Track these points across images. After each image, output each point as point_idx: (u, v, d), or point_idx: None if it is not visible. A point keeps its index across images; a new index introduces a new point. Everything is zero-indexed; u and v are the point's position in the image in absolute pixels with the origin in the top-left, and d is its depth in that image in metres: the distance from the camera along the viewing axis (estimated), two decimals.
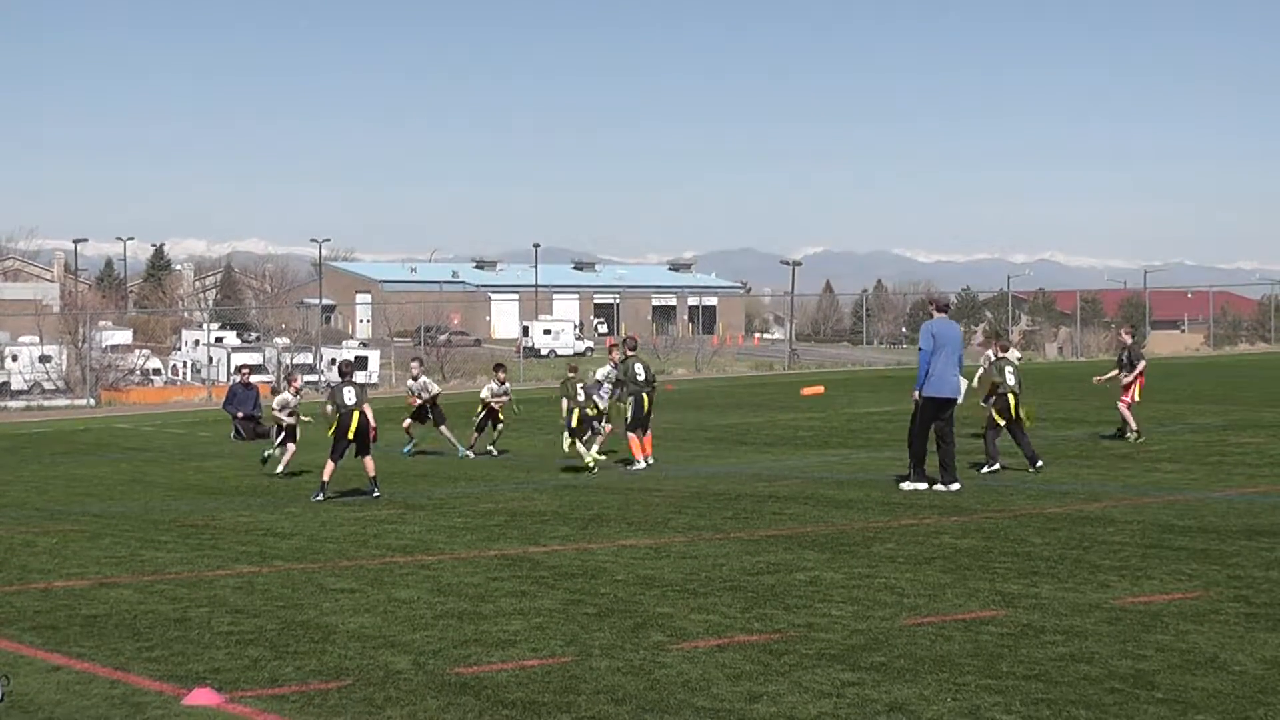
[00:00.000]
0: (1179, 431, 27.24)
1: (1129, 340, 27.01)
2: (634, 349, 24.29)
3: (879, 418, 34.07)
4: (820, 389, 25.08)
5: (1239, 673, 9.10)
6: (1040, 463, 21.45)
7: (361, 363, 75.65)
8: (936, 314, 19.78)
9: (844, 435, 29.44)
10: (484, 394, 27.73)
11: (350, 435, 20.81)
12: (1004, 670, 9.27)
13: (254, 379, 37.71)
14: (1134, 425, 25.52)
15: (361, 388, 21.56)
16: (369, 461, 21.02)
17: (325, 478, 20.89)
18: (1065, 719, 8.18)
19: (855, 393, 43.95)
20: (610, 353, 25.05)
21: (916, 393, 19.46)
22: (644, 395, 23.51)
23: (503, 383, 28.20)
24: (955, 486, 19.10)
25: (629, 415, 23.55)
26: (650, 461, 23.75)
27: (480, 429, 27.72)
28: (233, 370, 53.37)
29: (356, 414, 20.85)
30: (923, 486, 19.15)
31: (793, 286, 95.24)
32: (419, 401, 28.13)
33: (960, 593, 11.98)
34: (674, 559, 14.13)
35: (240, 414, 35.20)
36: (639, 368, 23.63)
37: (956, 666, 9.39)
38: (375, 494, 20.63)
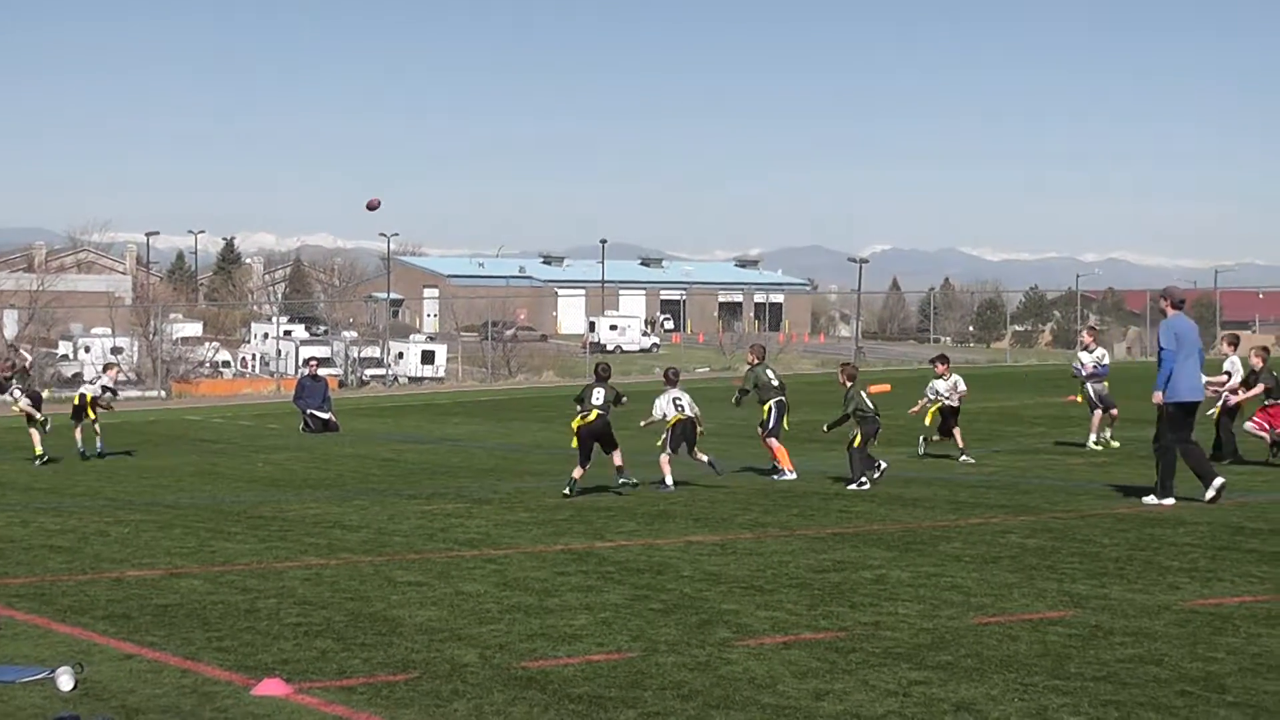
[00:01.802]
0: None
1: (1259, 363, 23.03)
2: (762, 357, 23.34)
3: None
4: (887, 387, 24.98)
5: None
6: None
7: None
8: (1172, 310, 17.87)
9: (910, 434, 29.27)
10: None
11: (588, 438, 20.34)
12: (1072, 671, 9.20)
13: (322, 372, 37.92)
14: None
15: (613, 394, 20.71)
16: (616, 456, 20.48)
17: (575, 476, 20.26)
18: None
19: (920, 391, 43.70)
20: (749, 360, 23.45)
21: (1159, 394, 17.51)
22: (783, 401, 22.35)
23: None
24: (1152, 500, 17.50)
25: (770, 423, 22.15)
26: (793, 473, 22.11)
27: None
28: (301, 363, 53.81)
29: (594, 414, 20.38)
30: (1169, 503, 17.26)
31: (859, 284, 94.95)
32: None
33: (1028, 593, 11.91)
34: (740, 555, 14.12)
35: (309, 408, 35.42)
36: (770, 374, 22.64)
37: (1024, 667, 9.33)
38: (627, 481, 20.11)
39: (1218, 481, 17.36)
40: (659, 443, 21.53)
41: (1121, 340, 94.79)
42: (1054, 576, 12.60)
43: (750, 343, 23.86)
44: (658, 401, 21.42)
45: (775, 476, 21.64)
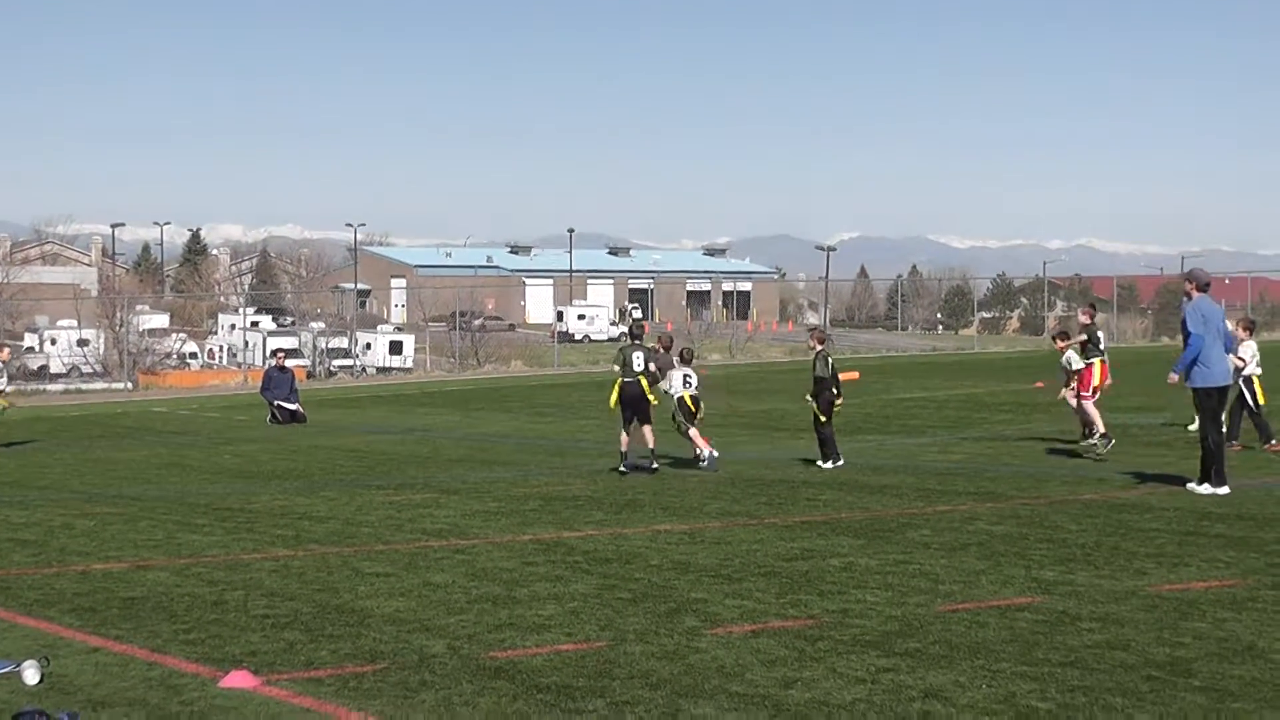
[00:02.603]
0: None
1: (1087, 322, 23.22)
2: (823, 341, 22.30)
3: (913, 403, 34.00)
4: (855, 374, 25.05)
5: (1277, 660, 9.05)
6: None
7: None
8: (1197, 293, 17.45)
9: (879, 421, 29.38)
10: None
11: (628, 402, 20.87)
12: (1040, 657, 9.24)
13: (290, 363, 37.78)
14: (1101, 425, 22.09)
15: (649, 352, 21.28)
16: (647, 431, 20.91)
17: (622, 448, 20.85)
18: (1101, 707, 8.14)
19: (890, 378, 43.90)
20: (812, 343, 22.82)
21: (1175, 376, 17.29)
22: (833, 391, 21.51)
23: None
24: (1207, 489, 16.96)
25: (820, 409, 21.36)
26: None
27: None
28: (269, 355, 53.61)
29: (641, 379, 20.94)
30: (1223, 492, 16.71)
31: (827, 272, 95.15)
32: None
33: (995, 579, 11.95)
34: (708, 544, 14.13)
35: (276, 399, 35.31)
36: (831, 361, 21.69)
37: (992, 653, 9.36)
38: (653, 466, 20.49)
39: (1223, 490, 16.78)
40: (676, 424, 21.65)
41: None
42: (1022, 563, 12.64)
43: (810, 328, 23.27)
44: (671, 375, 21.55)
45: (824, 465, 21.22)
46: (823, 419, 21.19)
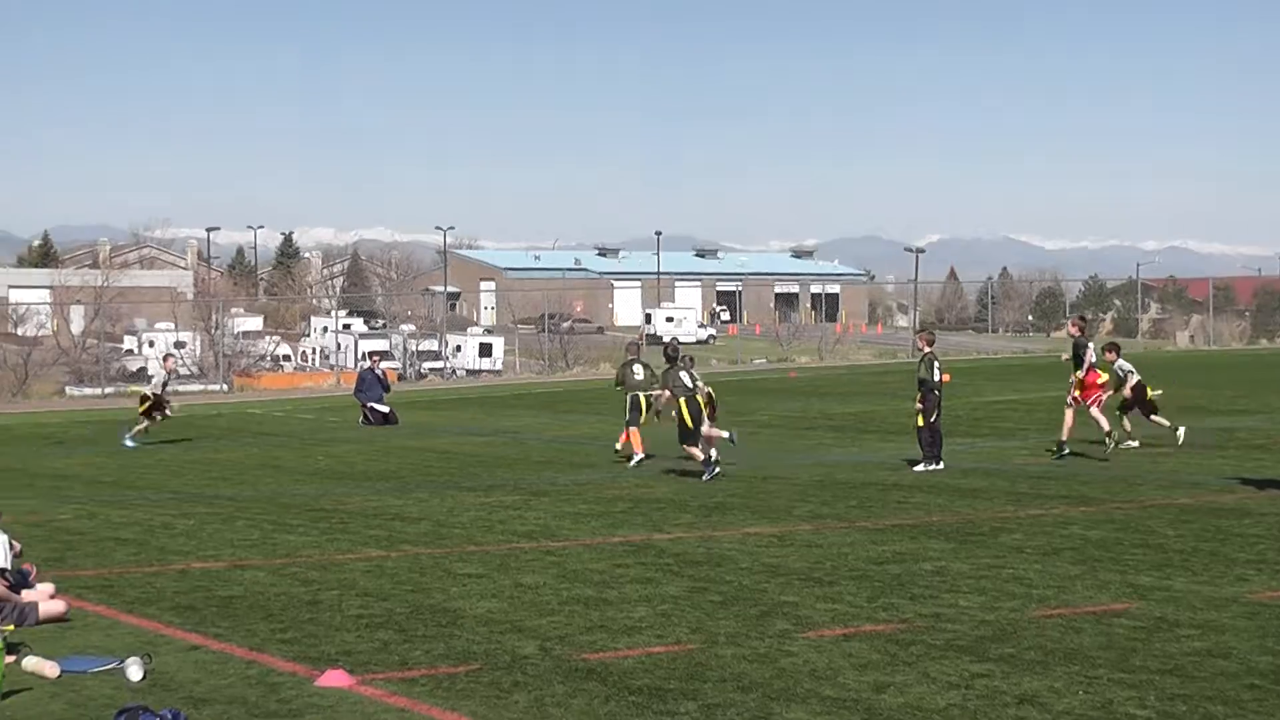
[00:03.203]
0: None
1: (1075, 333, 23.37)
2: (932, 343, 22.00)
3: (1003, 406, 33.73)
4: (947, 376, 24.84)
5: None
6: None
7: (489, 348, 76.31)
8: None
9: (969, 424, 29.16)
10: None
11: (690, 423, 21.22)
12: (1137, 664, 9.14)
13: (382, 366, 38.07)
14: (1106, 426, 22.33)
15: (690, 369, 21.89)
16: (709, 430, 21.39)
17: (701, 457, 21.02)
18: (1201, 715, 8.05)
19: (980, 381, 43.56)
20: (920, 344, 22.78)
21: None
22: (936, 393, 21.30)
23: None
24: None
25: (923, 415, 21.23)
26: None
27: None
28: (361, 357, 54.01)
29: (700, 398, 21.42)
30: None
31: (916, 274, 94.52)
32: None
33: (1090, 584, 11.83)
34: (799, 547, 14.10)
35: (370, 400, 35.57)
36: (938, 365, 21.45)
37: (1088, 659, 9.28)
38: (714, 470, 20.70)
39: None
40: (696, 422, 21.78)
41: (1184, 329, 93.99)
42: (1117, 568, 12.52)
43: (919, 329, 22.96)
44: (681, 375, 21.58)
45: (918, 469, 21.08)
46: (919, 422, 21.10)
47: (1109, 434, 21.99)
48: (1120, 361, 24.11)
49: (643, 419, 24.09)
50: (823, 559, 13.36)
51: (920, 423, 21.13)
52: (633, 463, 23.05)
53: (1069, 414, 22.45)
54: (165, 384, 30.45)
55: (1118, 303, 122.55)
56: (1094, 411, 22.21)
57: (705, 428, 21.46)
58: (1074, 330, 23.42)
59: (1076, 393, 22.31)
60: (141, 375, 66.25)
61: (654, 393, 22.90)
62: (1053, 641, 9.79)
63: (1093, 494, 17.75)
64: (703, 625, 10.58)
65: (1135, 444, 23.23)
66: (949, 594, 11.54)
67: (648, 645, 9.97)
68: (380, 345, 65.78)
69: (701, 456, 20.94)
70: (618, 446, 24.57)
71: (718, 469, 20.61)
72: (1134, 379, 24.13)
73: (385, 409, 35.40)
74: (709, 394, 22.34)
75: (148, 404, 29.82)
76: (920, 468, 20.82)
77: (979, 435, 26.96)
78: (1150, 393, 24.03)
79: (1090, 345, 22.83)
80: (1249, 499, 16.83)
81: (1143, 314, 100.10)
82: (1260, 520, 15.09)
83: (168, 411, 30.03)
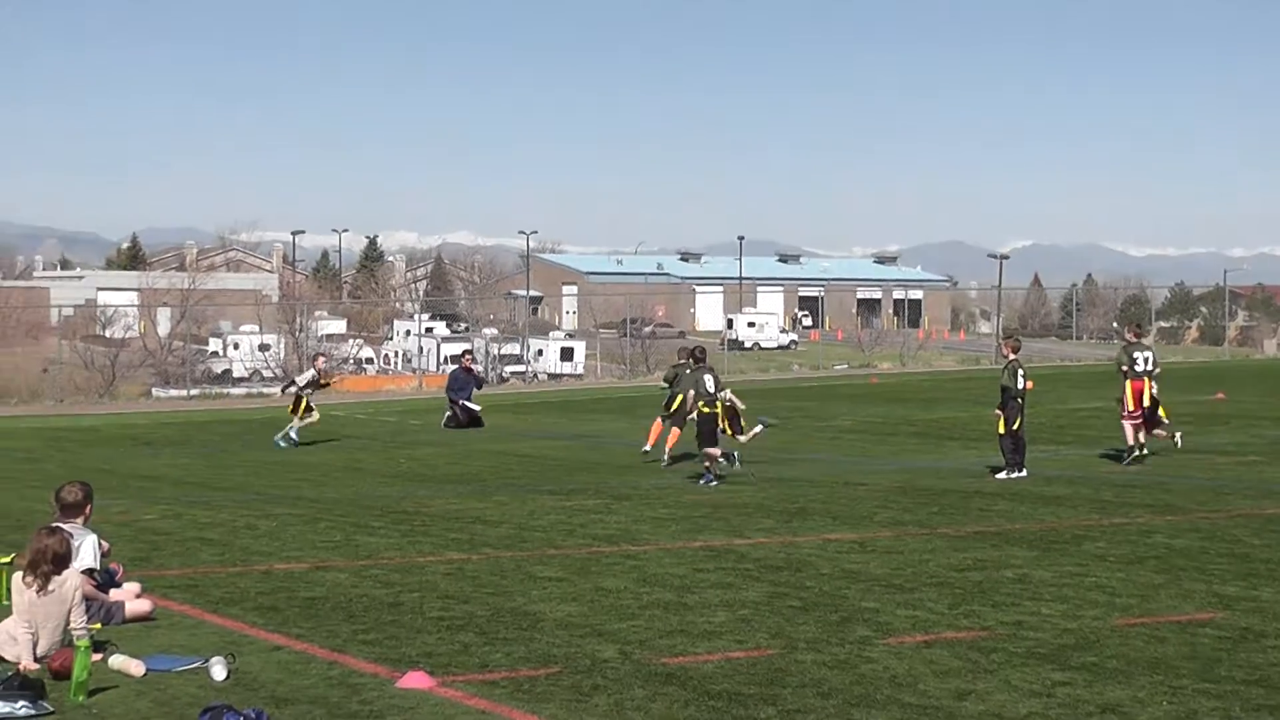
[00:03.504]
0: None
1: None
2: (1017, 350, 21.80)
3: (1088, 414, 33.38)
4: (1029, 384, 24.65)
5: None
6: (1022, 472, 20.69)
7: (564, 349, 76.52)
8: None
9: (1052, 431, 28.91)
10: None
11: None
12: (1222, 674, 9.04)
13: (474, 367, 38.07)
14: (1130, 441, 22.70)
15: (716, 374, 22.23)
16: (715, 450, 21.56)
17: (720, 458, 21.52)
18: None
19: (1063, 388, 43.17)
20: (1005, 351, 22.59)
21: None
22: (1019, 401, 21.12)
23: None
24: None
25: (1004, 422, 21.02)
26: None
27: None
28: (448, 359, 54.11)
29: (720, 405, 21.67)
30: None
31: (1000, 280, 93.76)
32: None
33: (1174, 594, 11.71)
34: (879, 554, 14.05)
35: (461, 398, 35.60)
36: (1021, 373, 21.26)
37: (1172, 669, 9.18)
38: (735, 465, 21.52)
39: None
40: (729, 430, 22.29)
41: (1272, 337, 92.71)
42: (1202, 578, 12.38)
43: (1006, 334, 22.94)
44: (705, 379, 21.70)
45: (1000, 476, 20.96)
46: (1001, 429, 21.00)
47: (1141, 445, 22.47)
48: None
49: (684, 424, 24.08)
50: (903, 565, 13.30)
51: (1002, 430, 21.03)
52: (649, 452, 24.43)
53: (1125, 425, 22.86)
54: (313, 383, 30.70)
55: (1204, 310, 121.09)
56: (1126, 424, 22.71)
57: (712, 445, 21.44)
58: (1131, 337, 23.85)
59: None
60: (226, 377, 67.11)
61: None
62: (1136, 651, 9.70)
63: (1178, 503, 17.55)
64: (782, 630, 10.57)
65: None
66: (1031, 602, 11.46)
67: (727, 650, 9.98)
68: (463, 345, 66.21)
69: (720, 457, 21.36)
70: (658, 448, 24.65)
71: (715, 481, 20.80)
72: None
73: (476, 407, 35.58)
74: (731, 404, 22.50)
75: (301, 402, 30.16)
76: (1002, 475, 20.69)
77: (1063, 443, 26.73)
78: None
79: (1139, 355, 22.82)
80: None
81: (1230, 321, 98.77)
82: None
83: (312, 417, 30.23)
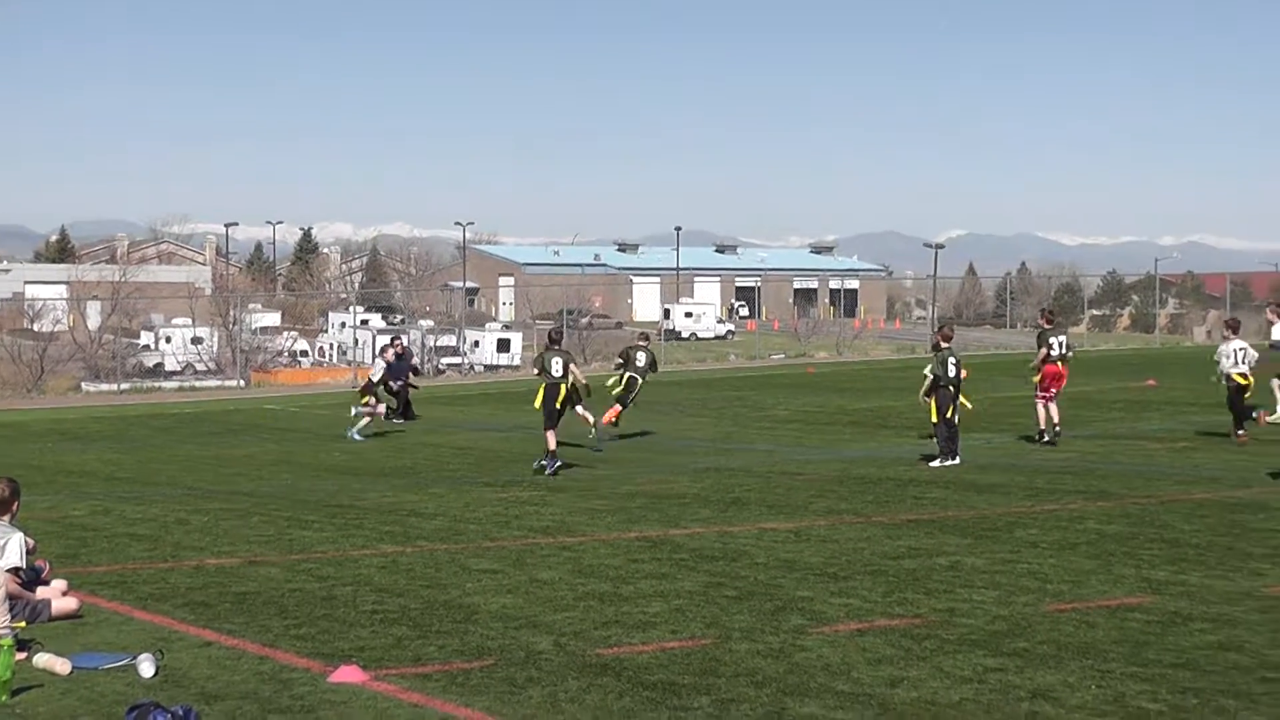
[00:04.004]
0: None
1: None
2: (949, 339, 22.04)
3: (1022, 401, 33.58)
4: (965, 372, 24.79)
5: None
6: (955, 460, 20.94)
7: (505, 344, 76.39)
8: None
9: (987, 419, 29.08)
10: None
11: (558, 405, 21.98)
12: (1150, 658, 9.12)
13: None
14: (1042, 423, 23.87)
15: (568, 356, 22.56)
16: (581, 409, 22.55)
17: (550, 447, 21.76)
18: (1214, 709, 8.03)
19: (997, 376, 43.42)
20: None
21: None
22: (953, 388, 21.28)
23: None
24: None
25: (936, 411, 21.27)
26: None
27: None
28: (379, 350, 53.61)
29: (562, 387, 22.00)
30: None
31: (935, 269, 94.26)
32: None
33: (1105, 579, 11.81)
34: (814, 543, 14.09)
35: (397, 383, 35.05)
36: (953, 361, 21.45)
37: (1101, 654, 9.26)
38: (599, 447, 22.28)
39: None
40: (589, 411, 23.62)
41: (1202, 325, 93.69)
42: (1132, 563, 12.49)
43: (940, 325, 23.46)
44: (554, 360, 22.24)
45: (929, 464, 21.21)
46: (933, 418, 21.16)
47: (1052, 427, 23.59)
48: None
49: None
50: (838, 554, 13.35)
51: (934, 418, 21.17)
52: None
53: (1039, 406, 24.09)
54: (390, 375, 30.49)
55: (1135, 298, 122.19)
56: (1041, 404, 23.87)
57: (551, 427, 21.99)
58: (1043, 323, 25.08)
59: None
60: (159, 371, 66.51)
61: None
62: (1066, 636, 9.77)
63: (1109, 489, 17.71)
64: (717, 620, 10.58)
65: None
66: (964, 589, 11.52)
67: (662, 640, 9.97)
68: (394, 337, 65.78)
69: (553, 446, 21.68)
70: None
71: (556, 464, 21.49)
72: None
73: (413, 385, 35.25)
74: (581, 385, 23.13)
75: (368, 395, 29.89)
76: (936, 463, 20.80)
77: (996, 430, 26.89)
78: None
79: (1053, 340, 24.08)
80: (1265, 493, 16.77)
81: (1161, 309, 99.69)
82: (1276, 515, 15.04)
83: (380, 406, 30.07)
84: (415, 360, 37.00)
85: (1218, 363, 23.49)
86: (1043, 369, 23.84)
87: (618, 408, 27.46)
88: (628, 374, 27.51)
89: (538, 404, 22.26)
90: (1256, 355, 23.37)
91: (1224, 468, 19.60)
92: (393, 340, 38.99)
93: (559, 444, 22.14)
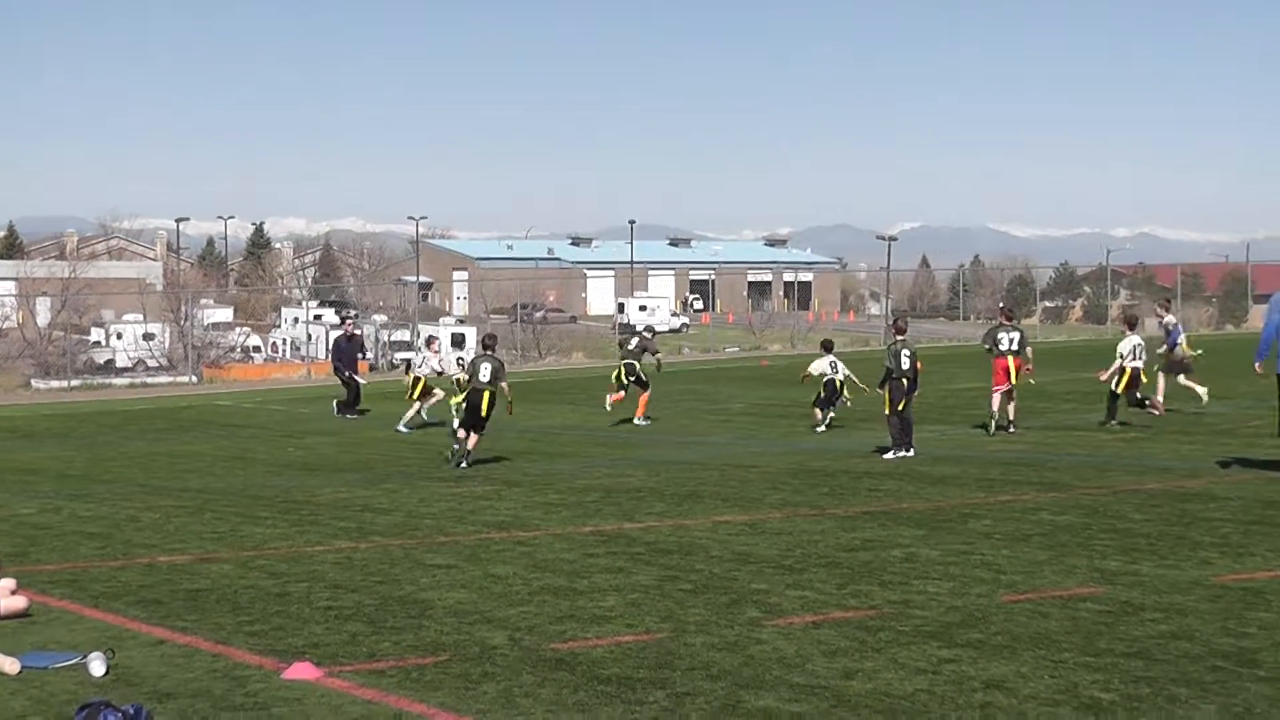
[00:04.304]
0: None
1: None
2: (903, 331, 22.21)
3: (976, 394, 33.77)
4: (920, 365, 24.93)
5: None
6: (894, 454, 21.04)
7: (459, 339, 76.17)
8: None
9: (940, 411, 29.22)
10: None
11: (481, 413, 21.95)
12: (1103, 648, 9.17)
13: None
14: (995, 411, 24.58)
15: (497, 363, 22.36)
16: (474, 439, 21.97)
17: (471, 444, 21.93)
18: (1165, 697, 8.08)
19: (952, 368, 43.62)
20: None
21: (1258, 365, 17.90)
22: (904, 381, 21.41)
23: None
24: None
25: (890, 401, 21.37)
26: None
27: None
28: (339, 323, 53.03)
29: (487, 393, 21.96)
30: None
31: (888, 262, 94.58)
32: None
33: (1058, 569, 11.87)
34: (769, 535, 14.11)
35: (349, 372, 34.77)
36: (906, 353, 21.56)
37: (1054, 644, 9.31)
38: (463, 465, 21.55)
39: None
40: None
41: (1152, 316, 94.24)
42: (1085, 553, 12.56)
43: (894, 318, 23.90)
44: (483, 366, 22.25)
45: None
46: (886, 410, 21.28)
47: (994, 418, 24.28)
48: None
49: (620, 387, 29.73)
50: (793, 546, 13.37)
51: (888, 410, 21.29)
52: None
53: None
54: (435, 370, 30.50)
55: (1088, 289, 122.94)
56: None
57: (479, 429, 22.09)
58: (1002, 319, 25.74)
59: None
60: (109, 367, 66.04)
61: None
62: (1020, 626, 9.82)
63: (1063, 480, 17.81)
64: (673, 614, 10.58)
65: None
66: (918, 580, 11.56)
67: (617, 634, 9.96)
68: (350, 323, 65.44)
69: (471, 444, 21.86)
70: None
71: (463, 464, 21.57)
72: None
73: (363, 380, 35.04)
74: (507, 399, 22.80)
75: (419, 386, 29.71)
76: (890, 455, 20.88)
77: (951, 422, 27.03)
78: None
79: (1001, 335, 24.80)
80: (1215, 483, 16.91)
81: (1113, 300, 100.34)
82: (1225, 504, 15.17)
83: (434, 397, 29.80)
84: (370, 355, 36.68)
85: (1122, 356, 24.99)
86: (994, 363, 24.61)
87: (620, 393, 29.66)
88: (622, 360, 30.01)
89: (456, 400, 22.52)
90: (1148, 349, 25.55)
91: (1175, 458, 19.76)
92: (343, 320, 38.50)
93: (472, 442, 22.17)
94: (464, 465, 21.55)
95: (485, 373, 22.01)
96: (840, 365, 27.02)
